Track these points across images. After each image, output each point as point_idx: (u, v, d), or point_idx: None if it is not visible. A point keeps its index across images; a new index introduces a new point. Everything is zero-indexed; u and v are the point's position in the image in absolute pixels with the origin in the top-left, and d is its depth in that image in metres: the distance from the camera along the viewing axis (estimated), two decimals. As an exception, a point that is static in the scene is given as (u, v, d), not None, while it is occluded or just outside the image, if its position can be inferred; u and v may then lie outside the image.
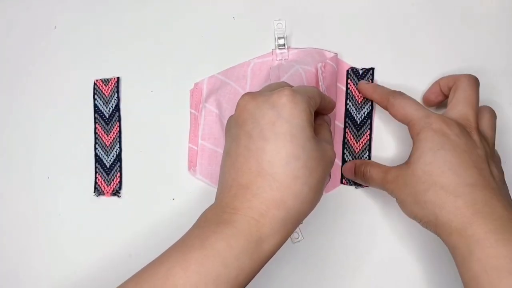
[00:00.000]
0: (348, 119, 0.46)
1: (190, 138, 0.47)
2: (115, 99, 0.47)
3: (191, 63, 0.48)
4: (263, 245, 0.32)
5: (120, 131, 0.47)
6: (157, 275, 0.31)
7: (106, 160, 0.47)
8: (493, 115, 0.42)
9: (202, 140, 0.46)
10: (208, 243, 0.31)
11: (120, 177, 0.46)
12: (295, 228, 0.34)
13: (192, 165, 0.46)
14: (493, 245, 0.33)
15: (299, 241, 0.45)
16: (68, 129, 0.48)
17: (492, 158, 0.39)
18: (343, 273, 0.44)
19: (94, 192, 0.46)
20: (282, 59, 0.47)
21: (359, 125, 0.46)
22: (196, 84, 0.47)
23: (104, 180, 0.46)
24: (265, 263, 0.33)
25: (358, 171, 0.43)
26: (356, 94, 0.46)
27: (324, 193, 0.45)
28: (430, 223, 0.37)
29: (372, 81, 0.47)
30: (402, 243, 0.45)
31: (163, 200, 0.46)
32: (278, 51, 0.47)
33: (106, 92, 0.47)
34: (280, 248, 0.43)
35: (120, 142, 0.47)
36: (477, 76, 0.42)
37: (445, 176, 0.36)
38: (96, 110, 0.47)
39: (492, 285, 0.32)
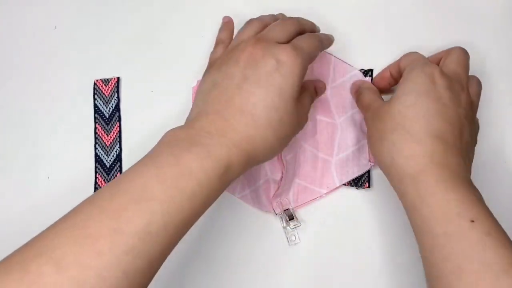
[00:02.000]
0: None
1: None
2: (115, 99, 0.47)
3: (191, 63, 0.48)
4: (230, 172, 0.34)
5: (120, 131, 0.47)
6: (134, 187, 0.31)
7: (106, 160, 0.47)
8: (480, 85, 0.43)
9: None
10: (183, 161, 0.32)
11: None
12: (252, 167, 0.37)
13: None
14: (442, 192, 0.34)
15: (295, 243, 0.45)
16: (68, 129, 0.48)
17: (470, 123, 0.40)
18: (341, 276, 0.44)
19: (94, 192, 0.46)
20: None
21: None
22: (198, 81, 0.47)
23: (104, 180, 0.46)
24: (226, 188, 0.35)
25: (357, 88, 0.44)
26: None
27: (323, 194, 0.45)
28: (385, 164, 0.38)
29: (372, 82, 0.47)
30: (401, 245, 0.44)
31: (163, 200, 0.46)
32: (279, 48, 0.47)
33: (106, 92, 0.47)
34: (277, 250, 0.45)
35: (120, 142, 0.47)
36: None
37: (416, 121, 0.37)
38: (96, 110, 0.47)
39: (441, 227, 0.34)
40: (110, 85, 0.48)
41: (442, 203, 0.34)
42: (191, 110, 0.38)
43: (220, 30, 0.46)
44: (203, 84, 0.38)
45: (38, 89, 0.49)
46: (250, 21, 0.42)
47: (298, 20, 0.42)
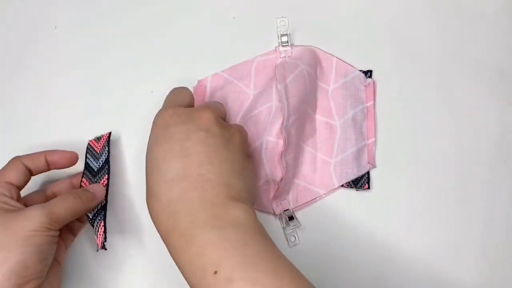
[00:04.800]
0: None
1: None
2: (105, 153, 0.45)
3: (192, 63, 0.48)
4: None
5: (108, 180, 0.44)
6: None
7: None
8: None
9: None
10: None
11: (105, 226, 0.42)
12: None
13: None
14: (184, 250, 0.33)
15: (295, 244, 0.45)
16: (67, 129, 0.48)
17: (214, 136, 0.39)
18: (341, 276, 0.44)
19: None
20: (285, 57, 0.47)
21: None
22: (199, 81, 0.47)
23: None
24: None
25: None
26: None
27: (323, 195, 0.45)
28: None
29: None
30: (401, 245, 0.44)
31: (163, 200, 0.46)
32: (281, 48, 0.47)
33: (98, 149, 0.45)
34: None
35: (106, 195, 0.43)
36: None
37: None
38: (86, 167, 0.44)
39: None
40: (101, 142, 0.45)
41: (188, 263, 0.33)
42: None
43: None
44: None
45: (38, 89, 0.49)
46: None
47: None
